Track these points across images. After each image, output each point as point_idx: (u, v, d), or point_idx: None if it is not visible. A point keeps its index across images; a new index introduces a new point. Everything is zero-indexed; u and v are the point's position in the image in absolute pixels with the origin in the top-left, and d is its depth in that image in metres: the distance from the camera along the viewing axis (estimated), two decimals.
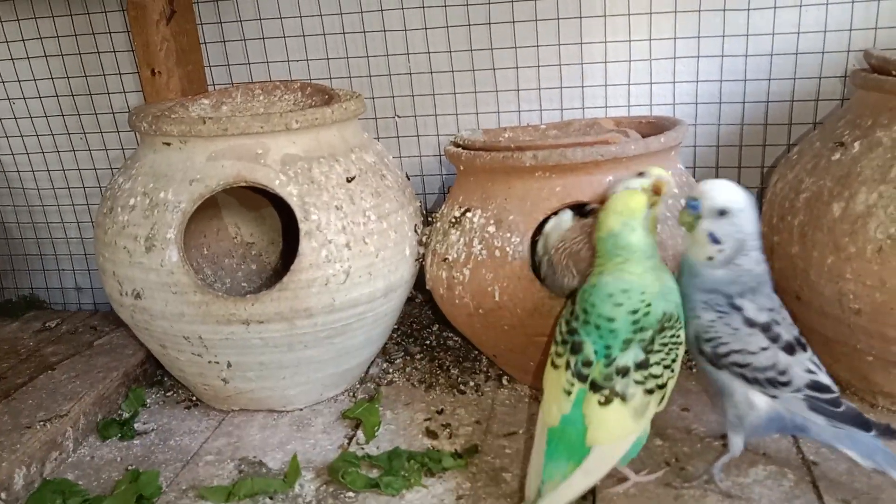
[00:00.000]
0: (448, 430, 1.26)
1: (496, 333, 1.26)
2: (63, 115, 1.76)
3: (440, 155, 1.67)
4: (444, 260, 1.28)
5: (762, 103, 1.51)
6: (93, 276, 1.90)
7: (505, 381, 1.39)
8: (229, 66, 1.68)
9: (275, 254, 1.61)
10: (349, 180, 1.24)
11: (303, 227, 1.19)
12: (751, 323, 0.99)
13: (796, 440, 1.14)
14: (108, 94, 1.72)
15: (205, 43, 1.66)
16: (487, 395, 1.36)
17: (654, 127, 1.35)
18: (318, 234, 1.19)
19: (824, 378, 0.99)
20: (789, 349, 0.98)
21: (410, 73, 1.62)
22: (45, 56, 1.71)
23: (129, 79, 1.70)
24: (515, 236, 1.20)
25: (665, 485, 1.06)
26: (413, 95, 1.64)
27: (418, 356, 1.52)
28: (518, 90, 1.59)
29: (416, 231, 1.33)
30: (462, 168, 1.32)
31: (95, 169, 1.80)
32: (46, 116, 1.76)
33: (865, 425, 0.97)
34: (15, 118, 1.78)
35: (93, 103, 1.74)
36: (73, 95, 1.74)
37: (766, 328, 0.98)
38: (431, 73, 1.61)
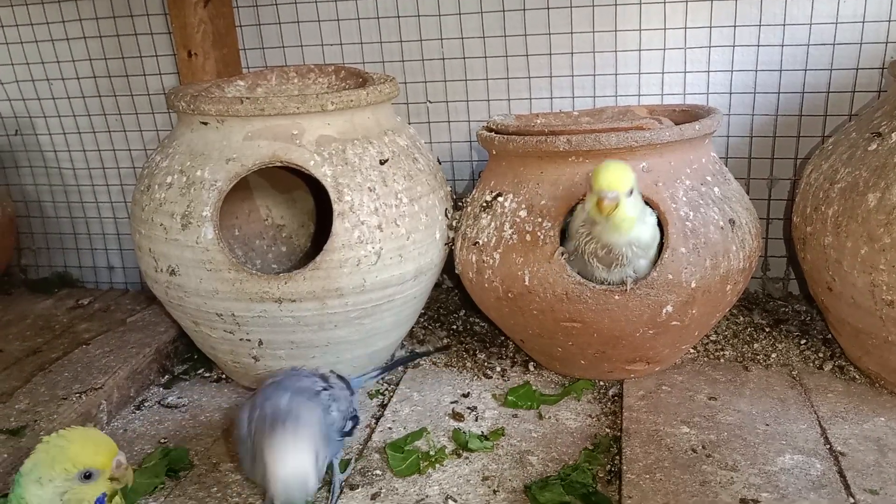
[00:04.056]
0: (474, 412, 1.27)
1: (525, 318, 1.27)
2: (100, 96, 1.78)
3: (471, 141, 1.67)
4: (475, 244, 1.28)
5: (797, 94, 1.50)
6: (125, 255, 1.92)
7: (531, 367, 1.40)
8: (264, 50, 1.69)
9: (305, 236, 1.63)
10: (382, 163, 1.25)
11: (336, 207, 1.20)
12: None
13: (824, 430, 1.14)
14: (145, 75, 1.74)
15: (240, 26, 1.68)
16: (513, 381, 1.36)
17: (687, 115, 1.35)
18: (351, 214, 1.20)
19: None
20: None
21: (443, 59, 1.62)
22: (84, 37, 1.73)
23: (165, 61, 1.72)
24: (547, 221, 1.21)
25: (691, 470, 1.06)
26: (445, 81, 1.64)
27: (445, 340, 1.53)
28: (551, 77, 1.59)
29: (446, 215, 1.34)
30: (494, 152, 1.32)
31: (130, 150, 1.82)
32: (84, 97, 1.79)
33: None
34: (53, 98, 1.80)
35: (129, 85, 1.76)
36: (110, 77, 1.76)
37: None
38: (464, 58, 1.61)
